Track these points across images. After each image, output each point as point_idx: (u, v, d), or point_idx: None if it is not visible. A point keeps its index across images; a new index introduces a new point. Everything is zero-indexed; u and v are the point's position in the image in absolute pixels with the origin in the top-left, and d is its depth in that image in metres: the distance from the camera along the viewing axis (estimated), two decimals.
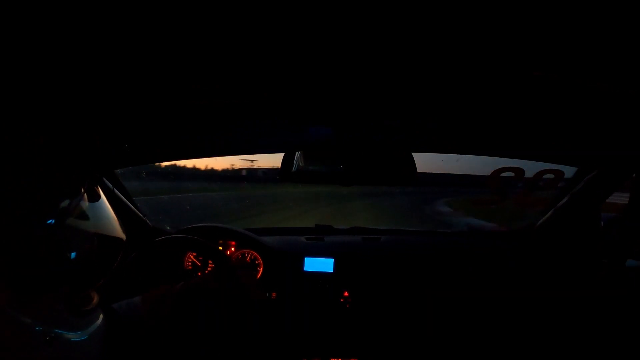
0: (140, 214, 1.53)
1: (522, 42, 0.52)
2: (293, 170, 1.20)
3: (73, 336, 0.71)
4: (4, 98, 0.70)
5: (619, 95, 0.68)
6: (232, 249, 1.45)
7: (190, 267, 1.43)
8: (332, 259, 1.43)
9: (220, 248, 1.43)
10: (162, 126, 0.99)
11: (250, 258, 1.44)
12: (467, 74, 0.66)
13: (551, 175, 1.23)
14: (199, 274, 1.42)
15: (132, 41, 0.53)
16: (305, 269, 1.43)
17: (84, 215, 0.72)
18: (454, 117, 0.93)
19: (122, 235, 0.77)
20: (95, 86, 0.71)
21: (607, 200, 1.29)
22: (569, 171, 1.33)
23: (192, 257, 1.44)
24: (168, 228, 1.63)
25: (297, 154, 1.21)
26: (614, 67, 0.59)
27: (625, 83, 0.64)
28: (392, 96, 0.78)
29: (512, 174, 1.25)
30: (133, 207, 1.51)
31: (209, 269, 1.42)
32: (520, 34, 0.50)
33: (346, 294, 1.38)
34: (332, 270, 1.42)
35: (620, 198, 1.27)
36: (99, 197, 0.77)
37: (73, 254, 0.68)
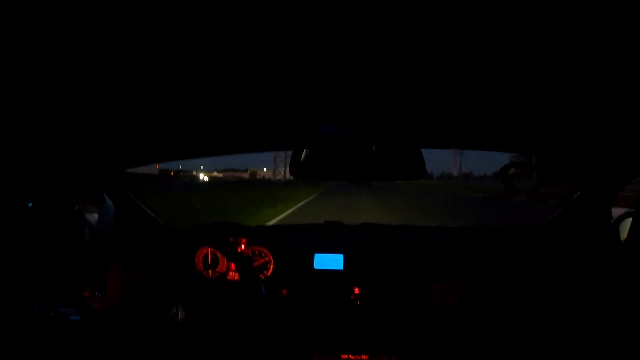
0: (150, 212, 1.55)
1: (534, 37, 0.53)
2: (302, 166, 1.20)
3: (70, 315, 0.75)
4: (18, 100, 0.71)
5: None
6: (243, 246, 1.46)
7: (201, 267, 1.44)
8: (342, 255, 1.43)
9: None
10: (172, 124, 1.00)
11: (261, 255, 1.45)
12: (474, 70, 0.66)
13: (563, 170, 1.22)
14: (210, 271, 1.44)
15: (144, 41, 0.54)
16: (315, 265, 1.43)
17: (90, 211, 0.75)
18: (462, 113, 0.93)
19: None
20: (105, 87, 0.72)
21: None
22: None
23: (208, 251, 1.45)
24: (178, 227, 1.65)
25: (306, 150, 1.21)
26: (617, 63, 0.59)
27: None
28: (400, 92, 0.79)
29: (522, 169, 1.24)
30: (143, 206, 1.53)
31: (219, 267, 1.43)
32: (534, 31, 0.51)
33: (357, 290, 1.38)
34: (342, 267, 1.42)
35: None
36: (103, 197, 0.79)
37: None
